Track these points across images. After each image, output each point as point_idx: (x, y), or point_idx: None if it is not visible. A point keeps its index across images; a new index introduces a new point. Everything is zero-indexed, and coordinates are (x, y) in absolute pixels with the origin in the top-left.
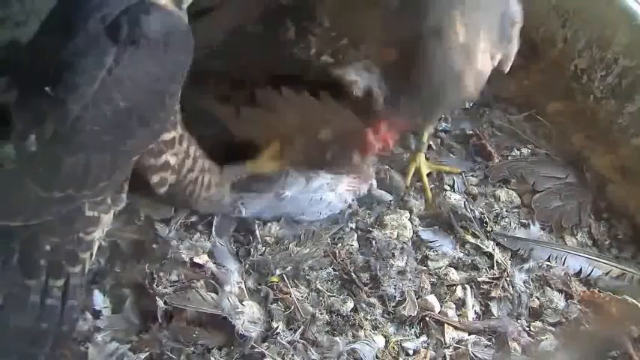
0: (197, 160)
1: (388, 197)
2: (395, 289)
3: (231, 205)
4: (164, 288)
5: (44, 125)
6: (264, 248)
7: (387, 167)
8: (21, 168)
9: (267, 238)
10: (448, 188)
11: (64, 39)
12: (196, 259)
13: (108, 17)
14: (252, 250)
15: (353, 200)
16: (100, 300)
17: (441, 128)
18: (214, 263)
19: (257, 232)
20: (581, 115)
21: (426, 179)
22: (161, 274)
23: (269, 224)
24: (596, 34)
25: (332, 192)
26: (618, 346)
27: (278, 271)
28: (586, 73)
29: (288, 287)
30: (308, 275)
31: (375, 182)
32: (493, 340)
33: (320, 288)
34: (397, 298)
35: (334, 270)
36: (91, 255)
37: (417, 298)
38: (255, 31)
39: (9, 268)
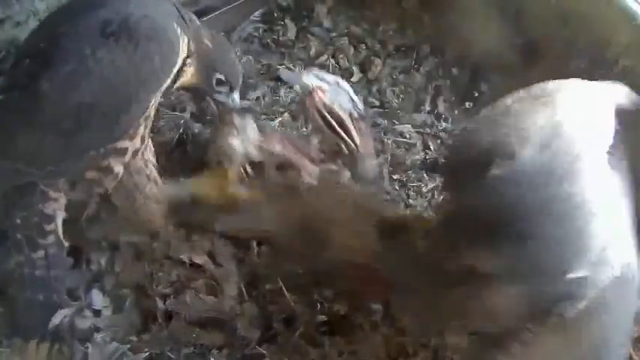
0: (148, 164)
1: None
2: None
3: None
4: (164, 288)
5: (11, 93)
6: (258, 260)
7: None
8: None
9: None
10: None
11: (68, 21)
12: (196, 260)
13: (109, 16)
14: (247, 258)
15: None
16: (100, 300)
17: (441, 128)
18: (214, 263)
19: (253, 242)
20: None
21: None
22: (161, 274)
23: None
24: (596, 34)
25: None
26: None
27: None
28: (586, 73)
29: (284, 292)
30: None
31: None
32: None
33: (317, 297)
34: None
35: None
36: (57, 226)
37: None
38: None
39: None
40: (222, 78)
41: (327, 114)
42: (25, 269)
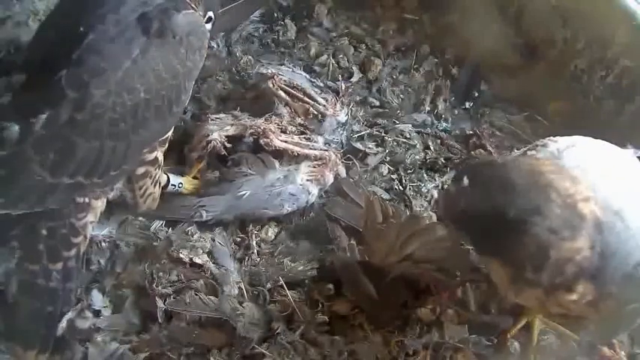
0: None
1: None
2: None
3: (191, 210)
4: (164, 288)
5: (60, 108)
6: (258, 259)
7: None
8: (26, 151)
9: (263, 245)
10: None
11: (93, 22)
12: (196, 260)
13: (144, 8)
14: (247, 258)
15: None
16: (100, 300)
17: (441, 128)
18: (214, 263)
19: (253, 242)
20: (581, 115)
21: (536, 335)
22: (161, 274)
23: (266, 227)
24: (596, 34)
25: (291, 184)
26: None
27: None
28: (586, 73)
29: (285, 290)
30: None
31: (343, 170)
32: (493, 339)
33: (318, 298)
34: None
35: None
36: (85, 238)
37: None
38: None
39: (16, 255)
40: (212, 15)
41: (289, 89)
42: (39, 280)
